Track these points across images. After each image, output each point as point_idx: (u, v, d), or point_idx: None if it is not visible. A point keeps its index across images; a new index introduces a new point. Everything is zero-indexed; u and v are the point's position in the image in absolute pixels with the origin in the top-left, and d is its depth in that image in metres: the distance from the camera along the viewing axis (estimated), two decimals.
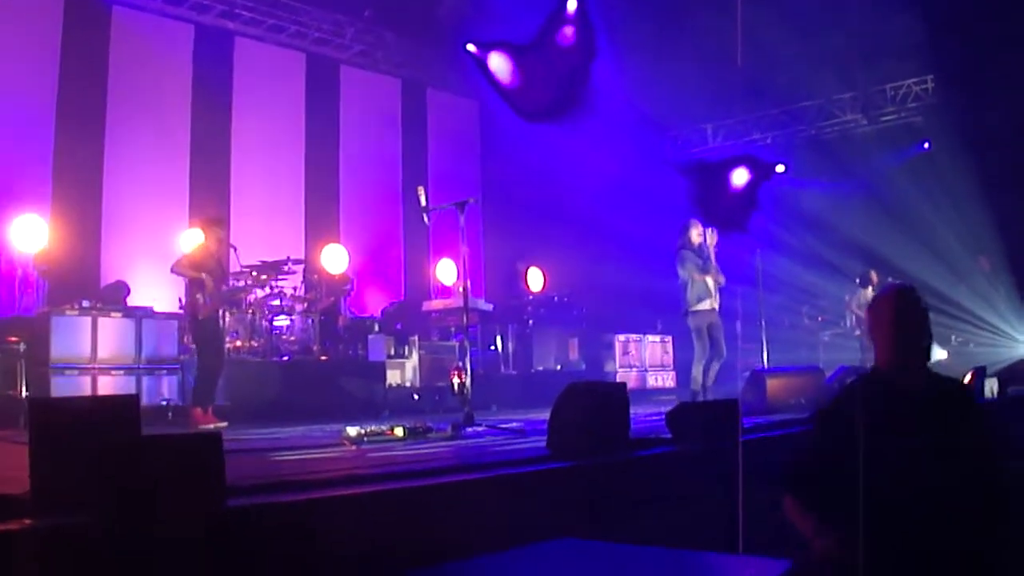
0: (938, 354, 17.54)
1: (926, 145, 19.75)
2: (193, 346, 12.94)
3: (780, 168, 21.49)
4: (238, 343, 14.61)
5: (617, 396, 7.37)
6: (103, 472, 4.00)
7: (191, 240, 13.89)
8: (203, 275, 11.98)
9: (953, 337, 18.75)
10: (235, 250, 13.40)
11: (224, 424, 11.15)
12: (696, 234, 13.98)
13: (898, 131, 20.43)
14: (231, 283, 13.74)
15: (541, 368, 18.94)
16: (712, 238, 14.03)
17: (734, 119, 22.65)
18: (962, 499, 4.12)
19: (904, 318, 4.58)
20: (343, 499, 4.92)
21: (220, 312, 12.88)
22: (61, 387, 11.69)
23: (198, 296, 11.97)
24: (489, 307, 18.22)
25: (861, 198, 19.39)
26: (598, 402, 7.18)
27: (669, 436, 7.65)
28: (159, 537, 3.96)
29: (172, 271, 12.40)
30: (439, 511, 5.28)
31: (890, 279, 16.67)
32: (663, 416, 8.18)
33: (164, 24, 17.53)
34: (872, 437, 4.00)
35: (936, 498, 4.07)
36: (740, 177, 22.00)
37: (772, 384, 11.72)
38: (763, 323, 14.46)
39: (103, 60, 16.73)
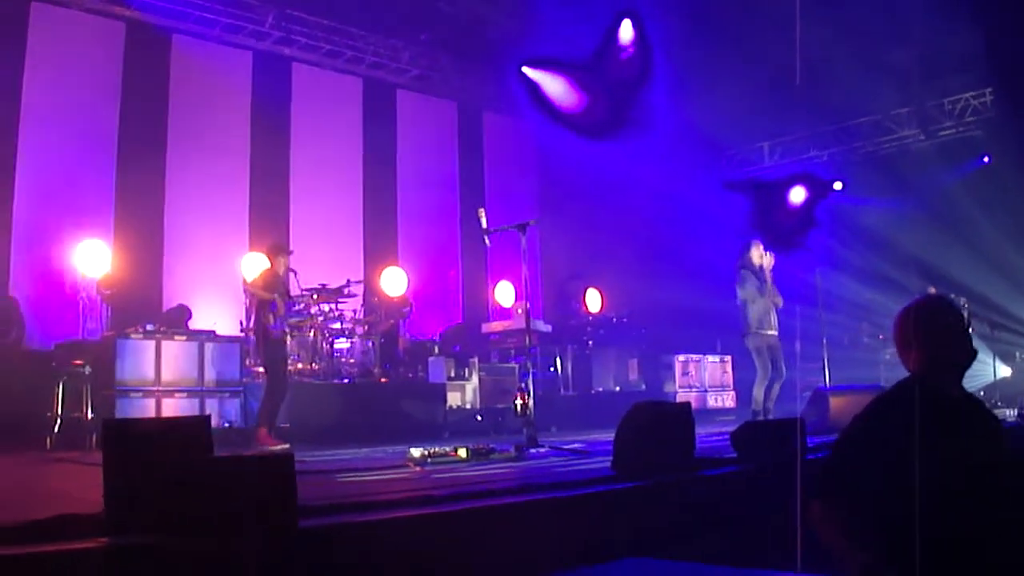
0: (1001, 371, 17.34)
1: (986, 159, 19.50)
2: (260, 368, 13.04)
3: (837, 185, 21.30)
4: (300, 366, 14.67)
5: (682, 416, 7.35)
6: (176, 491, 4.03)
7: (256, 264, 14.01)
8: (276, 296, 12.15)
9: (1017, 354, 18.48)
10: (295, 274, 13.47)
11: (286, 446, 11.19)
12: (757, 255, 13.86)
13: (957, 145, 20.13)
14: (293, 309, 13.78)
15: (600, 389, 18.85)
16: (769, 260, 13.90)
17: (790, 136, 22.51)
18: (992, 516, 3.93)
19: (938, 329, 4.35)
20: (412, 519, 4.93)
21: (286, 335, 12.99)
22: (126, 410, 11.79)
23: (270, 317, 12.08)
24: (548, 328, 18.23)
25: (920, 214, 19.13)
26: (663, 422, 7.17)
27: (734, 455, 7.61)
28: (233, 556, 3.98)
29: (247, 288, 12.61)
30: (506, 532, 5.27)
31: (952, 296, 16.50)
32: (726, 436, 8.15)
33: (223, 51, 17.72)
34: (909, 445, 3.86)
35: (970, 512, 3.89)
36: (798, 195, 21.84)
37: (835, 402, 11.62)
38: (824, 341, 14.33)
39: (163, 87, 16.94)
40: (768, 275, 13.79)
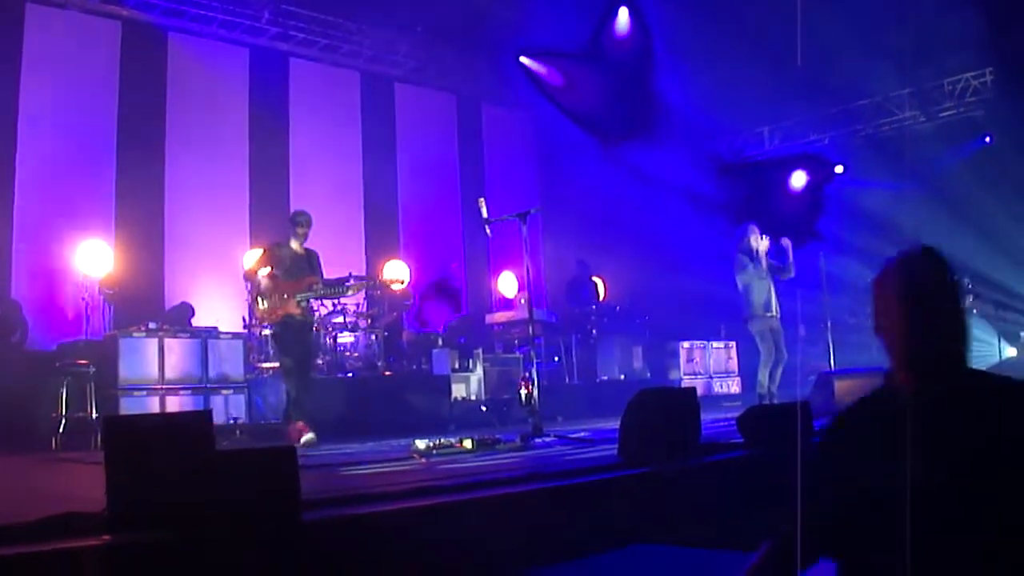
0: (1007, 351, 17.30)
1: (987, 139, 19.44)
2: (264, 364, 12.93)
3: (839, 169, 21.27)
4: None
5: (687, 401, 7.36)
6: (179, 487, 4.01)
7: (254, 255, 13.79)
8: (254, 272, 11.68)
9: (1022, 334, 18.44)
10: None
11: (313, 438, 10.95)
12: (754, 239, 13.93)
13: (958, 126, 20.02)
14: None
15: (606, 378, 18.81)
16: (765, 244, 13.94)
17: (791, 120, 22.40)
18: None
19: (916, 298, 3.03)
20: (416, 511, 4.92)
21: (299, 316, 11.61)
22: (130, 408, 11.75)
23: (257, 304, 11.78)
24: (551, 318, 18.20)
25: (923, 195, 19.06)
26: (668, 408, 7.17)
27: (740, 440, 7.61)
28: (236, 550, 3.96)
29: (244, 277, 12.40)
30: (513, 521, 5.25)
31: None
32: (731, 421, 8.16)
33: (220, 48, 17.68)
34: (882, 484, 2.90)
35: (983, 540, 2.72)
36: (799, 180, 21.81)
37: (840, 386, 11.64)
38: (829, 325, 14.31)
39: (161, 86, 16.91)
40: (763, 258, 13.85)
